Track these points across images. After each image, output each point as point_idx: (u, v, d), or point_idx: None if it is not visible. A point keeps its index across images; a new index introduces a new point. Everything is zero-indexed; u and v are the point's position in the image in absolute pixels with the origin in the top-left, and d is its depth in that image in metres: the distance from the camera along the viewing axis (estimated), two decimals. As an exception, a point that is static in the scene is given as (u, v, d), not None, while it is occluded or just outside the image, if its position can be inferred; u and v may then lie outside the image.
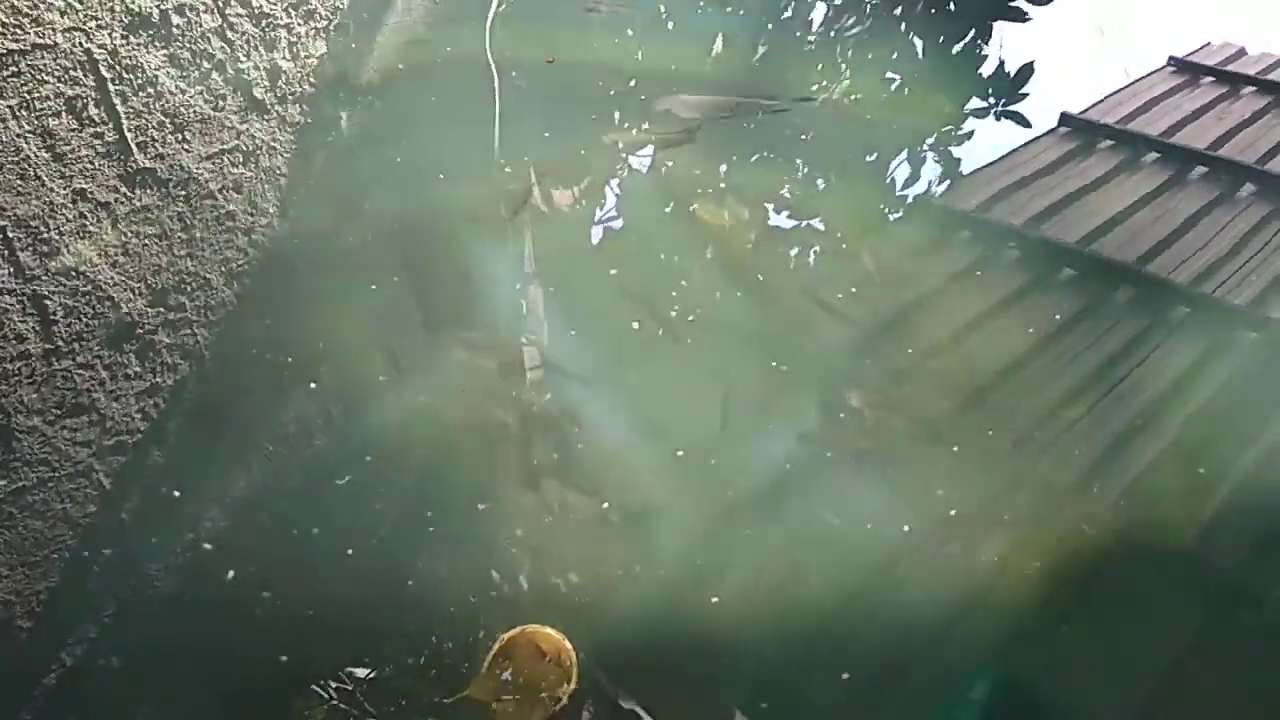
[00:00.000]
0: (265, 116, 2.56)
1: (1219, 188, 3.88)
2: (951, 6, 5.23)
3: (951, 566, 2.47)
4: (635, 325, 3.12)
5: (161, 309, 2.29)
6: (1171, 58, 4.89)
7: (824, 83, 4.52)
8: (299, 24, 2.84)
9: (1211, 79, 4.74)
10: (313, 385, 2.66)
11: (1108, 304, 3.33)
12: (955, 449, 2.78)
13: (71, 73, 2.06)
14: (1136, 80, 4.73)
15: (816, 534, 2.52)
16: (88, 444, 2.15)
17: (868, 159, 4.24)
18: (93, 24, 2.16)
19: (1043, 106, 4.53)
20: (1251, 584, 2.43)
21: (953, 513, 2.57)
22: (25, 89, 1.99)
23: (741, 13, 4.70)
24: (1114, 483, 2.69)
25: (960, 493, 2.64)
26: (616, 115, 4.03)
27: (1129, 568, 2.48)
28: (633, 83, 4.10)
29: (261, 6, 2.67)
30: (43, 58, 2.05)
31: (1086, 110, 4.39)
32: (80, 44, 2.11)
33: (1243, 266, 3.42)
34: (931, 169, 4.23)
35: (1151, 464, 2.75)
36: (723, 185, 3.83)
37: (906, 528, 2.52)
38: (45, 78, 2.02)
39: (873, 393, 2.96)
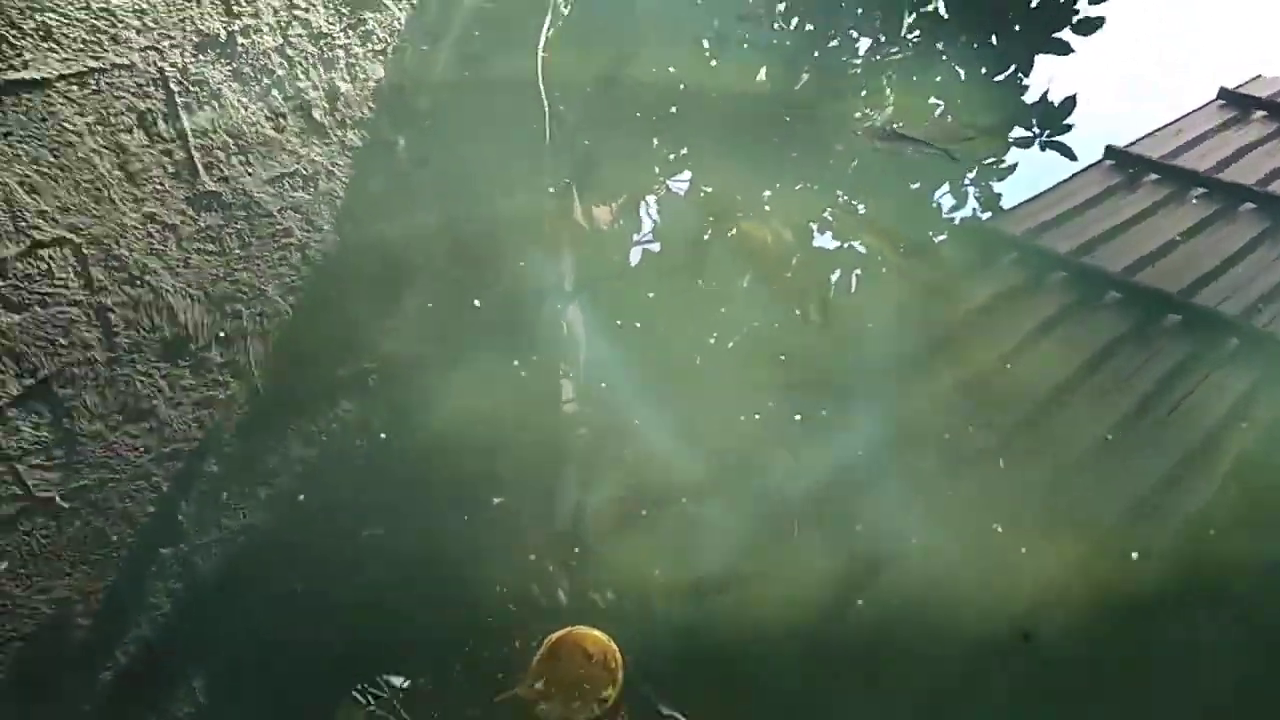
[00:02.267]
0: (325, 140, 2.64)
1: (1268, 222, 3.83)
2: (994, 40, 5.24)
3: (996, 591, 2.45)
4: (677, 342, 3.15)
5: (218, 316, 2.36)
6: (1222, 89, 4.84)
7: (868, 110, 4.56)
8: (356, 45, 2.92)
9: (1263, 113, 4.68)
10: (362, 394, 2.71)
11: (1155, 331, 3.30)
12: (1003, 472, 2.77)
13: (146, 88, 2.15)
14: (1186, 115, 4.68)
15: (860, 550, 2.52)
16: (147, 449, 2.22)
17: (912, 185, 4.25)
18: (166, 43, 2.25)
19: (1089, 139, 4.51)
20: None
21: (999, 534, 2.56)
22: (103, 105, 2.08)
23: (788, 43, 4.76)
24: (1165, 513, 2.66)
25: (1007, 518, 2.63)
26: (659, 137, 4.10)
27: (1179, 603, 2.45)
28: (675, 107, 4.17)
29: (320, 26, 2.76)
30: (120, 75, 2.14)
31: (1133, 144, 4.36)
32: (154, 62, 2.20)
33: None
34: (976, 196, 4.23)
35: (1203, 496, 2.71)
36: (766, 207, 3.86)
37: (952, 549, 2.51)
38: (121, 94, 2.11)
39: (920, 413, 2.96)
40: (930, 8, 5.46)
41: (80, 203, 2.06)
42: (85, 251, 2.06)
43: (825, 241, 3.81)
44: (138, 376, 2.24)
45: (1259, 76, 4.98)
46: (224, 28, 2.44)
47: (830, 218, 3.94)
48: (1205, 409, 2.94)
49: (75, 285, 2.07)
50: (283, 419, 2.51)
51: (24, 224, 1.98)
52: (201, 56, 2.37)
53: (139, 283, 2.19)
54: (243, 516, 2.33)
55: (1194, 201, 3.97)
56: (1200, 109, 4.74)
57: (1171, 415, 2.95)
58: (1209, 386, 3.03)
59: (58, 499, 2.09)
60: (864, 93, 4.72)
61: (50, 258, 2.03)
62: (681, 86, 4.18)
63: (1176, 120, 4.61)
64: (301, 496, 2.45)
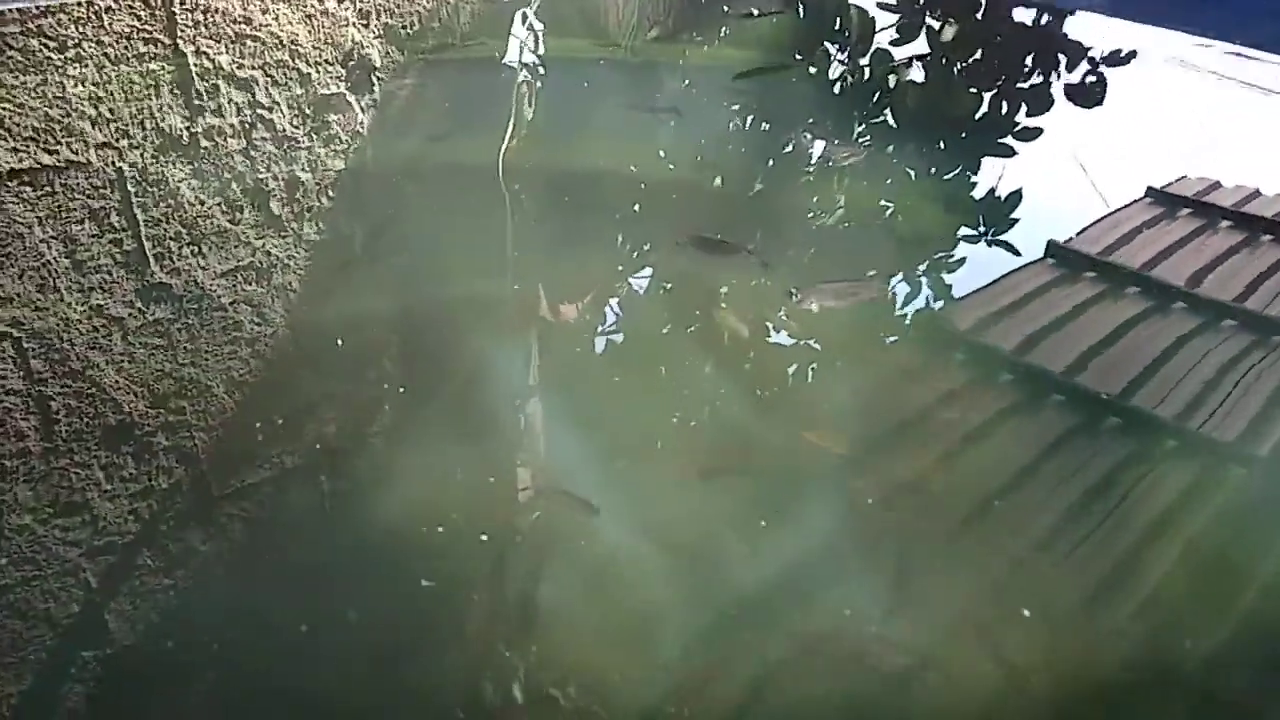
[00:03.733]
0: (281, 233, 2.70)
1: (1199, 318, 4.00)
2: (941, 145, 5.53)
3: (956, 680, 2.44)
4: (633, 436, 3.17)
5: (161, 412, 2.35)
6: (1149, 189, 5.10)
7: (820, 211, 4.74)
8: (319, 146, 3.01)
9: (1189, 210, 4.93)
10: (311, 485, 2.69)
11: (1095, 431, 3.38)
12: (951, 567, 2.78)
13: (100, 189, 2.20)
14: (1117, 210, 4.92)
15: (820, 643, 2.50)
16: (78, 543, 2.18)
17: (869, 273, 4.38)
18: (125, 142, 2.32)
19: (1029, 235, 4.70)
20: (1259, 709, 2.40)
21: (956, 624, 2.56)
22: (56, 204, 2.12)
23: (743, 150, 4.99)
24: (1113, 607, 2.69)
25: (956, 610, 2.63)
26: (623, 233, 4.23)
27: (1134, 693, 2.45)
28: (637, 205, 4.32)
29: (285, 130, 2.85)
30: (75, 175, 2.18)
31: (1070, 240, 4.56)
32: (112, 162, 2.26)
33: (1224, 401, 3.48)
34: (925, 292, 4.37)
35: (1148, 592, 2.75)
36: (723, 305, 3.95)
37: (909, 638, 2.51)
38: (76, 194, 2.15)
39: (871, 509, 2.98)
40: (879, 119, 5.79)
41: (23, 291, 2.07)
42: (25, 345, 2.07)
43: (781, 339, 3.90)
44: (74, 468, 2.21)
45: (1184, 177, 5.28)
46: (185, 129, 2.51)
47: (784, 315, 4.04)
48: (1146, 509, 3.01)
49: (16, 376, 2.06)
50: (225, 509, 2.48)
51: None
52: (162, 157, 2.43)
53: (79, 375, 2.18)
54: (176, 613, 2.27)
55: (1129, 297, 4.14)
56: (1131, 204, 4.99)
57: (1115, 511, 3.01)
58: (1149, 485, 3.10)
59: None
60: (815, 198, 4.94)
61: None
62: (642, 186, 4.34)
63: (1109, 214, 4.84)
64: (244, 590, 2.40)
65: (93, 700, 2.14)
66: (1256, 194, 5.15)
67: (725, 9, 6.19)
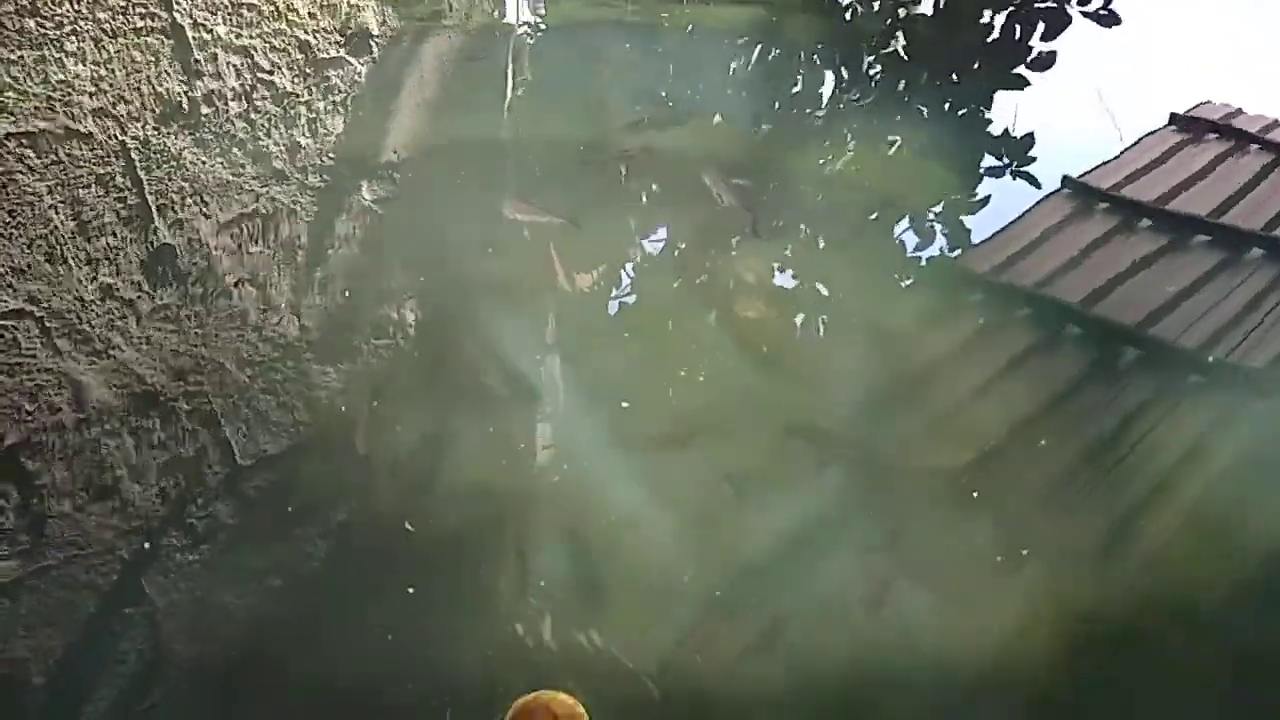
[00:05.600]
0: (286, 184, 2.69)
1: (1224, 251, 3.91)
2: (955, 78, 5.37)
3: (963, 631, 2.47)
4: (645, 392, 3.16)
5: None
6: (1173, 115, 4.95)
7: (830, 156, 4.64)
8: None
9: (1214, 135, 4.78)
10: (332, 461, 2.73)
11: (1116, 366, 3.35)
12: (968, 512, 2.79)
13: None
14: (1138, 140, 4.79)
15: (829, 598, 2.53)
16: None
17: (881, 225, 4.32)
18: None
19: (1047, 170, 4.60)
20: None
21: (968, 574, 2.58)
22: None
23: (744, 94, 4.87)
24: (1129, 549, 2.69)
25: (974, 555, 2.65)
26: (623, 191, 4.17)
27: (1148, 637, 2.47)
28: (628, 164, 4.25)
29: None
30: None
31: (1088, 173, 4.45)
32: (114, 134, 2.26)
33: (1250, 334, 3.42)
34: (943, 234, 4.30)
35: (1167, 531, 2.74)
36: (733, 254, 3.90)
37: (920, 592, 2.53)
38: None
39: (886, 455, 2.99)
40: (890, 49, 5.62)
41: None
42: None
43: (790, 286, 3.85)
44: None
45: (1208, 102, 5.11)
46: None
47: (796, 261, 3.99)
48: (1168, 443, 2.99)
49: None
50: (250, 482, 2.53)
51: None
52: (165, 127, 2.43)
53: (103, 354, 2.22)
54: (209, 578, 2.34)
55: (1150, 231, 4.05)
56: (1153, 132, 4.84)
57: (1135, 450, 2.99)
58: (1173, 420, 3.07)
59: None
60: (825, 141, 4.84)
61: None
62: (640, 144, 4.26)
63: (1131, 147, 4.71)
64: (269, 560, 2.46)
65: (136, 654, 2.22)
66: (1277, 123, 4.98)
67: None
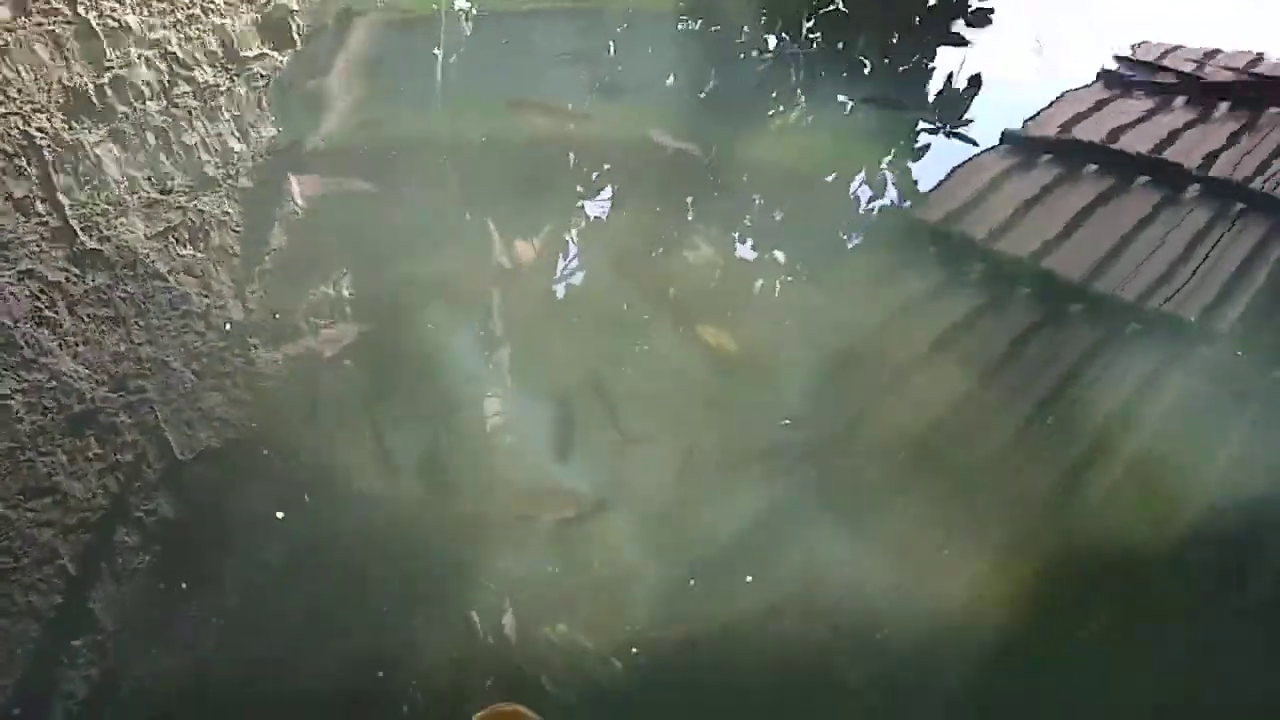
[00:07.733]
0: (215, 191, 2.62)
1: (1162, 193, 3.96)
2: (895, 39, 5.38)
3: (925, 593, 2.49)
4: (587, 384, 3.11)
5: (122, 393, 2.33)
6: (1114, 58, 4.99)
7: (778, 109, 4.61)
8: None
9: (1149, 78, 4.83)
10: (279, 465, 2.68)
11: (1062, 320, 3.39)
12: (919, 473, 2.81)
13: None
14: (1076, 89, 4.83)
15: (794, 576, 2.52)
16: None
17: (827, 180, 4.31)
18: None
19: (987, 123, 4.62)
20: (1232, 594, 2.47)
21: (922, 539, 2.60)
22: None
23: (686, 68, 4.81)
24: (1078, 500, 2.73)
25: (928, 515, 2.67)
26: (562, 175, 4.12)
27: (1098, 585, 2.52)
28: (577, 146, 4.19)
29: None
30: None
31: (1027, 123, 4.48)
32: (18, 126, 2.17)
33: (1189, 280, 3.48)
34: (890, 188, 4.30)
35: (1113, 482, 2.79)
36: (673, 229, 3.87)
37: (879, 557, 2.55)
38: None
39: (835, 419, 2.99)
40: (830, 7, 5.61)
41: None
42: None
43: (743, 251, 3.83)
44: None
45: (1144, 43, 5.15)
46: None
47: (747, 222, 3.97)
48: (1111, 394, 3.06)
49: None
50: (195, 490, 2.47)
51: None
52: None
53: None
54: (159, 596, 2.29)
55: (1090, 178, 4.09)
56: (1091, 82, 4.89)
57: (1077, 402, 3.03)
58: (1117, 370, 3.12)
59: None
60: (773, 94, 4.81)
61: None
62: (571, 128, 4.19)
63: (1067, 92, 4.74)
64: (221, 569, 2.41)
65: (86, 682, 2.17)
66: (1217, 52, 5.06)
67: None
